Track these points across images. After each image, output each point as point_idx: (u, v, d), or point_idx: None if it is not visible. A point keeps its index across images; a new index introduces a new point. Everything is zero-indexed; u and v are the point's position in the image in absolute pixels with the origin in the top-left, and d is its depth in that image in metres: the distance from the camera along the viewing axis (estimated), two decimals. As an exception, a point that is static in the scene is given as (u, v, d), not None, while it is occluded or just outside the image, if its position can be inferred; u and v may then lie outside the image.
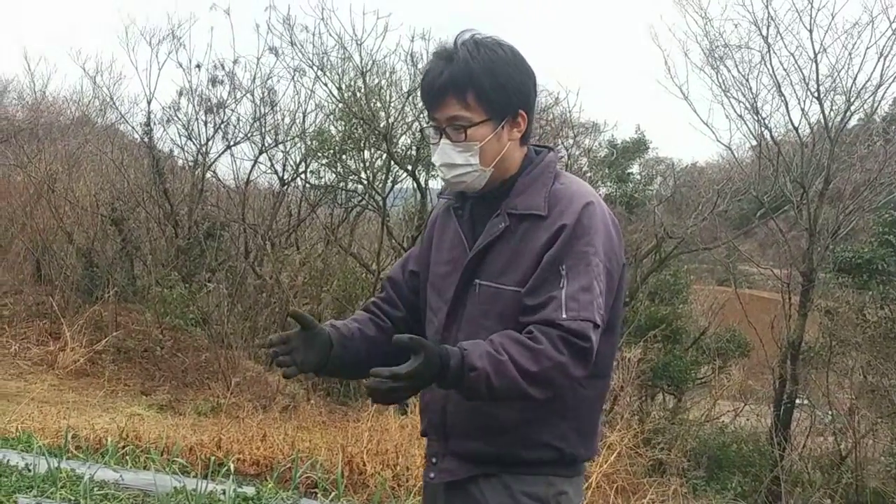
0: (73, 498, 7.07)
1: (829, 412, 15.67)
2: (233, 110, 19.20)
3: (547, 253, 3.06)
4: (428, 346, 2.90)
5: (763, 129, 17.29)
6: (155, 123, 19.08)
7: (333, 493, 7.95)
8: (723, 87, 17.28)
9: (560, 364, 2.93)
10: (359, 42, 16.87)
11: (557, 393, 3.06)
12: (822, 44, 16.38)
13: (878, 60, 16.14)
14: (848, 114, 16.66)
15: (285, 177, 19.64)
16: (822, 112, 16.70)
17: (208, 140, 19.04)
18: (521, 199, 3.18)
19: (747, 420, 17.34)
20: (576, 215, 3.08)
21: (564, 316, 2.96)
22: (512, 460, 3.16)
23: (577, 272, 3.02)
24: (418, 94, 17.06)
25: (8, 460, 7.98)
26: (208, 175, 19.52)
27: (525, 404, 3.07)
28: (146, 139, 18.98)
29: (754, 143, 18.19)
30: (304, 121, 19.27)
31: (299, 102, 19.39)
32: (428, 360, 2.87)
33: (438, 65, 3.16)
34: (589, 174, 20.53)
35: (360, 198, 19.74)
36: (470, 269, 3.19)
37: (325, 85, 17.93)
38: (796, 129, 17.20)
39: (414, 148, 17.42)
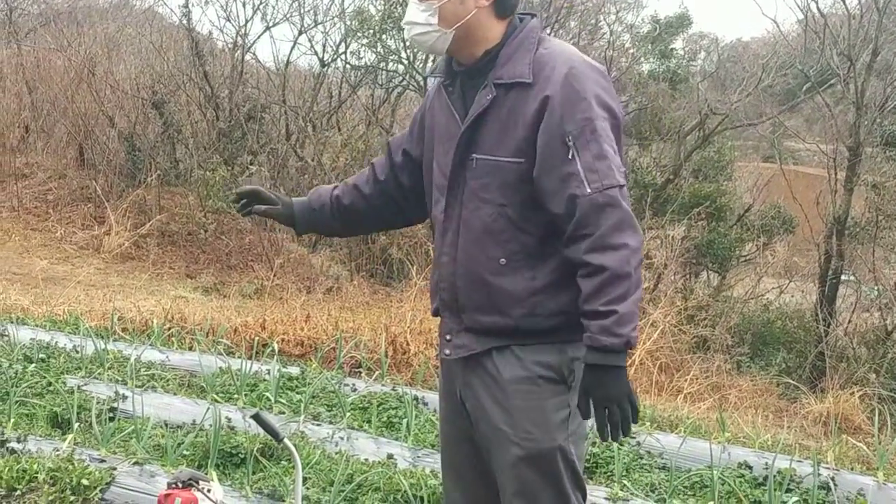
0: (120, 378, 7.17)
1: (875, 287, 15.56)
2: (271, -10, 19.00)
3: (542, 125, 3.08)
4: (581, 391, 3.11)
5: (810, 0, 16.93)
6: (193, 5, 18.89)
7: (377, 373, 8.01)
8: (769, -43, 16.85)
9: (626, 258, 3.01)
10: (398, -84, 16.55)
11: (564, 259, 3.14)
12: None
13: (933, -75, 15.63)
14: (899, -18, 16.23)
15: (325, 58, 19.45)
16: (872, -19, 16.28)
17: (247, 21, 18.81)
18: (506, 68, 3.19)
19: (792, 297, 17.26)
20: (559, 83, 3.09)
21: (589, 190, 3.00)
22: (526, 330, 3.19)
23: (585, 140, 3.04)
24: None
25: (56, 342, 8.11)
26: (248, 57, 19.36)
27: (533, 274, 3.16)
28: (185, 21, 18.77)
29: (800, 16, 17.81)
30: (343, 0, 19.07)
31: (338, -19, 19.13)
32: (593, 385, 3.06)
33: None
34: (632, 50, 20.23)
35: (400, 78, 19.51)
36: (463, 143, 3.21)
37: (364, -38, 17.66)
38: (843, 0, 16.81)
39: (454, 26, 17.15)
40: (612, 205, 2.99)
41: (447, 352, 3.35)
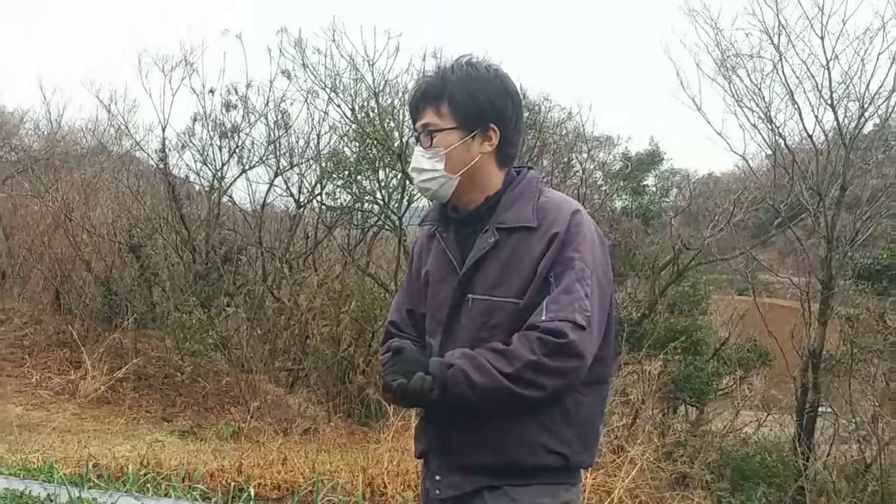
0: (94, 527, 7.09)
1: (853, 420, 15.56)
2: (247, 134, 19.30)
3: (542, 262, 3.14)
4: (406, 346, 3.20)
5: (777, 137, 17.20)
6: (170, 149, 19.15)
7: (355, 516, 7.94)
8: (736, 96, 17.15)
9: (532, 363, 3.02)
10: (371, 62, 16.83)
11: (556, 398, 3.13)
12: (833, 50, 16.21)
13: (892, 65, 15.99)
14: (862, 120, 16.50)
15: (301, 199, 19.70)
16: (837, 119, 16.55)
17: (223, 164, 19.14)
18: (510, 213, 3.26)
19: (770, 430, 17.24)
20: (566, 223, 3.17)
21: (543, 318, 3.05)
22: (518, 470, 3.18)
23: (562, 277, 3.11)
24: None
25: (30, 491, 8.01)
26: (224, 199, 19.60)
27: (526, 413, 3.13)
28: (162, 165, 19.01)
29: (769, 151, 18.11)
30: (318, 143, 19.36)
31: (313, 124, 19.46)
32: (407, 355, 3.15)
33: (425, 79, 3.36)
34: (604, 188, 20.54)
35: (376, 218, 19.73)
36: (461, 285, 3.27)
37: (339, 106, 17.93)
38: (811, 136, 17.08)
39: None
40: (558, 331, 3.02)
41: (437, 491, 3.33)
